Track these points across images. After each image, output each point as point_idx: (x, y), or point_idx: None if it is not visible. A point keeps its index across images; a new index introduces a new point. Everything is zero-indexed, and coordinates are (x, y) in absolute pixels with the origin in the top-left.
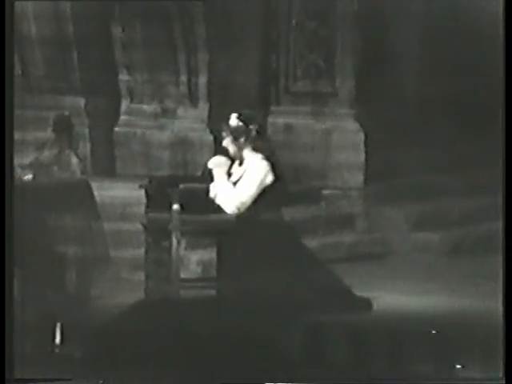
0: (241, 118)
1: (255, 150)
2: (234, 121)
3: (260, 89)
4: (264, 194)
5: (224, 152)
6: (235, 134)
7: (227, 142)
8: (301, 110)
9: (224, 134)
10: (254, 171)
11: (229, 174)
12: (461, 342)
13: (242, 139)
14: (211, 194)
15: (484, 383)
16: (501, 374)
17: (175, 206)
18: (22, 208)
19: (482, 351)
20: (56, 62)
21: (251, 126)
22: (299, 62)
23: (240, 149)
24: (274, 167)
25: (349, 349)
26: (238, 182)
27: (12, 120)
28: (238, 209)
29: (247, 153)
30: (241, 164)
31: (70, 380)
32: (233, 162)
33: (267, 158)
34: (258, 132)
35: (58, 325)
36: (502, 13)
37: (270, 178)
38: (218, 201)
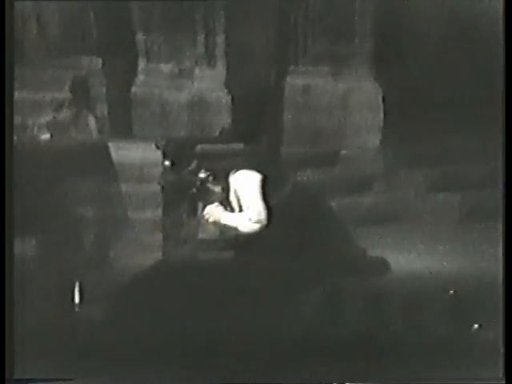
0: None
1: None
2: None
3: (278, 49)
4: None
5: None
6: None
7: (212, 208)
8: (319, 71)
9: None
10: (244, 186)
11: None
12: (478, 303)
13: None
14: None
15: (484, 383)
16: (501, 374)
17: (193, 167)
18: (40, 169)
19: (499, 312)
20: (73, 22)
21: (201, 174)
22: (318, 22)
23: (219, 189)
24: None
25: (366, 311)
26: (244, 206)
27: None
28: (257, 226)
29: (220, 186)
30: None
31: (70, 380)
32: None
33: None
34: (209, 177)
35: (77, 284)
36: None
37: (258, 179)
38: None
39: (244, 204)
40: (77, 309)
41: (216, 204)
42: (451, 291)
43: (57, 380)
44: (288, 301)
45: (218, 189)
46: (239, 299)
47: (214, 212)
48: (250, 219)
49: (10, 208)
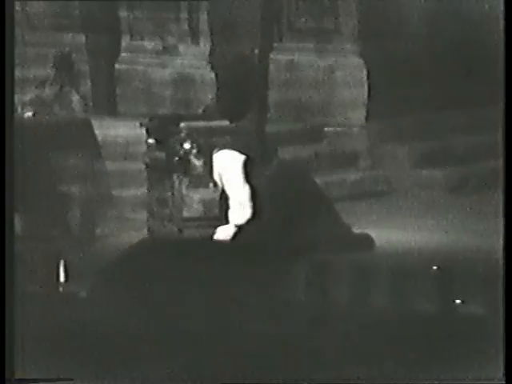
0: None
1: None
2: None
3: (262, 25)
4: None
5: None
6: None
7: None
8: (304, 47)
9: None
10: (231, 172)
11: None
12: (462, 279)
13: (193, 160)
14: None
15: (484, 383)
16: (501, 374)
17: (150, 141)
18: (24, 146)
19: (483, 287)
20: None
21: (186, 145)
22: None
23: (201, 163)
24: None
25: (351, 285)
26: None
27: (13, 57)
28: (248, 215)
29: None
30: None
31: (71, 380)
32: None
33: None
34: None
35: (62, 263)
36: None
37: (241, 158)
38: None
39: (228, 191)
40: (61, 288)
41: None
42: (434, 267)
43: (57, 380)
44: (274, 278)
45: (199, 163)
46: (225, 276)
47: (223, 229)
48: (235, 224)
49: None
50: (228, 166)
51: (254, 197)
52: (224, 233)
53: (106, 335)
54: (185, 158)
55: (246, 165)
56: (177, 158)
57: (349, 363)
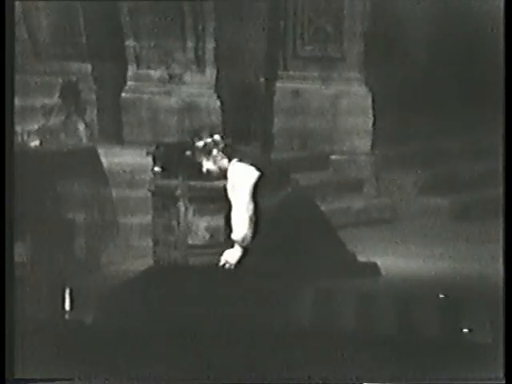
0: (202, 138)
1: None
2: (199, 143)
3: (268, 54)
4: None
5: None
6: (208, 151)
7: (209, 164)
8: (309, 75)
9: (206, 163)
10: (237, 180)
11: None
12: (468, 307)
13: (215, 152)
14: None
15: (484, 383)
16: (501, 374)
17: (182, 173)
18: (30, 174)
19: (488, 315)
20: (63, 27)
21: (216, 137)
22: (307, 26)
23: (219, 165)
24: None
25: (357, 313)
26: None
27: (13, 87)
28: (248, 228)
29: (223, 163)
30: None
31: (71, 380)
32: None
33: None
34: (222, 138)
35: (67, 290)
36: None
37: (255, 174)
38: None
39: (235, 203)
40: (67, 316)
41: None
42: (441, 295)
43: (57, 380)
44: (280, 303)
45: (215, 167)
46: (230, 303)
47: (230, 252)
48: (235, 241)
49: (7, 213)
50: (242, 178)
51: (259, 219)
52: (231, 256)
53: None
54: (206, 150)
55: (257, 182)
56: (201, 143)
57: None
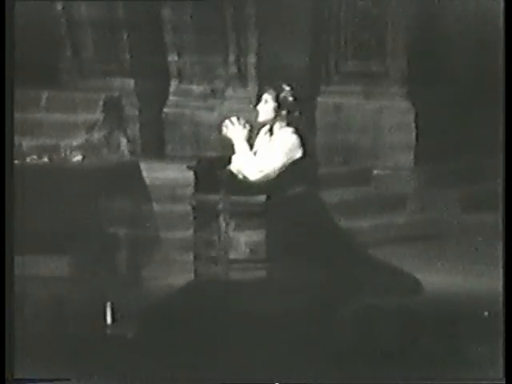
0: (293, 92)
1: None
2: (285, 91)
3: (310, 69)
4: (309, 175)
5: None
6: (281, 103)
7: (266, 108)
8: (351, 90)
9: (267, 96)
10: (282, 142)
11: (250, 145)
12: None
13: (284, 112)
14: (233, 169)
15: (484, 383)
16: (501, 374)
17: (224, 188)
18: (72, 189)
19: None
20: (106, 44)
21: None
22: (350, 41)
23: (275, 119)
24: (305, 144)
25: (399, 330)
26: (263, 151)
27: (12, 121)
28: (262, 177)
29: (278, 125)
30: (268, 134)
31: (69, 380)
32: (251, 129)
33: (298, 133)
34: (300, 113)
35: (109, 305)
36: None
37: (298, 153)
38: (239, 168)
39: (264, 152)
40: (109, 330)
41: (238, 119)
42: (486, 313)
43: (56, 380)
44: (320, 319)
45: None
46: (271, 319)
47: (232, 127)
48: (260, 170)
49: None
50: (285, 146)
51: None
52: (230, 125)
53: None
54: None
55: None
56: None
57: None
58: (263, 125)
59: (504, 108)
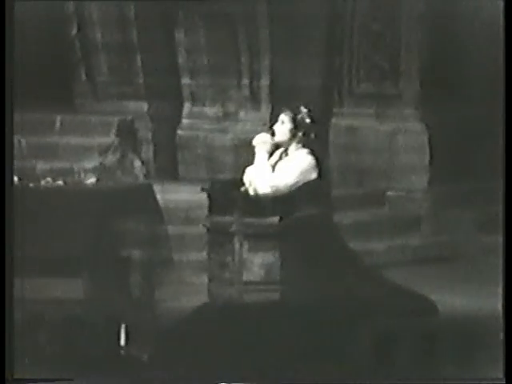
0: (310, 113)
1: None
2: (302, 113)
3: (323, 91)
4: (323, 196)
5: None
6: (297, 125)
7: (283, 129)
8: (364, 112)
9: (284, 116)
10: (297, 161)
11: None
12: None
13: (300, 133)
14: (245, 179)
15: (484, 383)
16: (501, 374)
17: (237, 209)
18: (86, 212)
19: None
20: (120, 67)
21: (304, 114)
22: (363, 63)
23: (290, 140)
24: (320, 166)
25: (416, 352)
26: (278, 168)
27: (12, 124)
28: (272, 191)
29: (294, 146)
30: (283, 155)
31: (71, 380)
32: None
33: (313, 155)
34: (316, 135)
35: (123, 327)
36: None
37: (313, 174)
38: (251, 179)
39: (278, 169)
40: (123, 351)
41: (266, 135)
42: (501, 334)
43: (56, 380)
44: (334, 341)
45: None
46: (286, 341)
47: (265, 138)
48: (272, 185)
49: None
50: (301, 166)
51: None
52: (262, 139)
53: None
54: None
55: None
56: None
57: None
58: (277, 146)
59: None
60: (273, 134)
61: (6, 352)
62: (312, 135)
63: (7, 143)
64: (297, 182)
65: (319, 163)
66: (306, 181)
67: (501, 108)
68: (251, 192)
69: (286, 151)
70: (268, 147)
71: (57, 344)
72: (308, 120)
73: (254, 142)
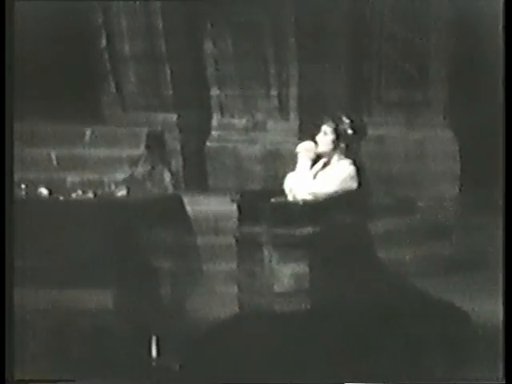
0: (352, 124)
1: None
2: (345, 123)
3: (351, 100)
4: (356, 205)
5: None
6: (339, 136)
7: (326, 140)
8: (393, 121)
9: (326, 127)
10: (339, 170)
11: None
12: None
13: (342, 145)
14: (286, 185)
15: (484, 383)
16: (501, 374)
17: (267, 220)
18: (117, 223)
19: None
20: (149, 78)
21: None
22: (391, 71)
23: (333, 151)
24: (361, 176)
25: (447, 361)
26: (319, 175)
27: (12, 134)
28: (311, 198)
29: (336, 157)
30: (325, 166)
31: (73, 381)
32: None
33: (355, 165)
34: (357, 146)
35: (154, 338)
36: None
37: (354, 184)
38: (292, 186)
39: (320, 177)
40: (154, 363)
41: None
42: None
43: (56, 381)
44: (365, 351)
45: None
46: (316, 351)
47: (309, 146)
48: (311, 192)
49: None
50: (343, 176)
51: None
52: (306, 147)
53: None
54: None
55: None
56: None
57: None
58: (319, 156)
59: None
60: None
61: (6, 353)
62: (354, 145)
63: (7, 153)
64: (336, 191)
65: (360, 173)
66: (345, 190)
67: None
68: (290, 198)
69: (328, 162)
70: (311, 155)
71: (88, 354)
72: (350, 131)
73: (298, 149)
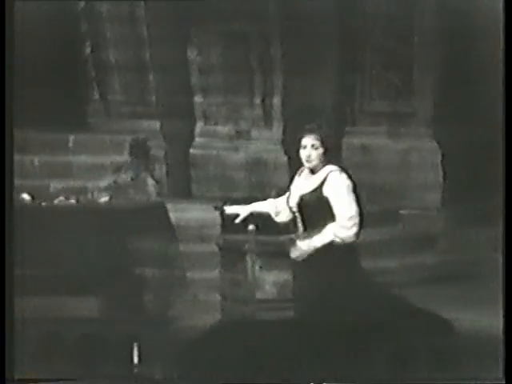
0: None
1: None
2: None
3: (335, 109)
4: None
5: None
6: (325, 144)
7: (317, 153)
8: (377, 131)
9: (315, 141)
10: (345, 187)
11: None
12: None
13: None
14: (270, 209)
15: (484, 383)
16: (501, 374)
17: (250, 228)
18: (100, 230)
19: None
20: (133, 86)
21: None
22: (376, 81)
23: (318, 160)
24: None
25: (431, 370)
26: (335, 209)
27: (12, 142)
28: (356, 228)
29: (322, 165)
30: (313, 173)
31: (74, 380)
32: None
33: (350, 178)
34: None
35: (135, 345)
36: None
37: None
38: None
39: (335, 209)
40: (136, 369)
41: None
42: None
43: (56, 380)
44: (349, 360)
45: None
46: (299, 359)
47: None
48: (342, 226)
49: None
50: (337, 188)
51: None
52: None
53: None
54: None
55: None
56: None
57: None
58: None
59: None
60: (307, 160)
61: (6, 352)
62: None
63: (7, 161)
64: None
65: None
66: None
67: None
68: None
69: (312, 171)
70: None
71: (71, 361)
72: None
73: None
